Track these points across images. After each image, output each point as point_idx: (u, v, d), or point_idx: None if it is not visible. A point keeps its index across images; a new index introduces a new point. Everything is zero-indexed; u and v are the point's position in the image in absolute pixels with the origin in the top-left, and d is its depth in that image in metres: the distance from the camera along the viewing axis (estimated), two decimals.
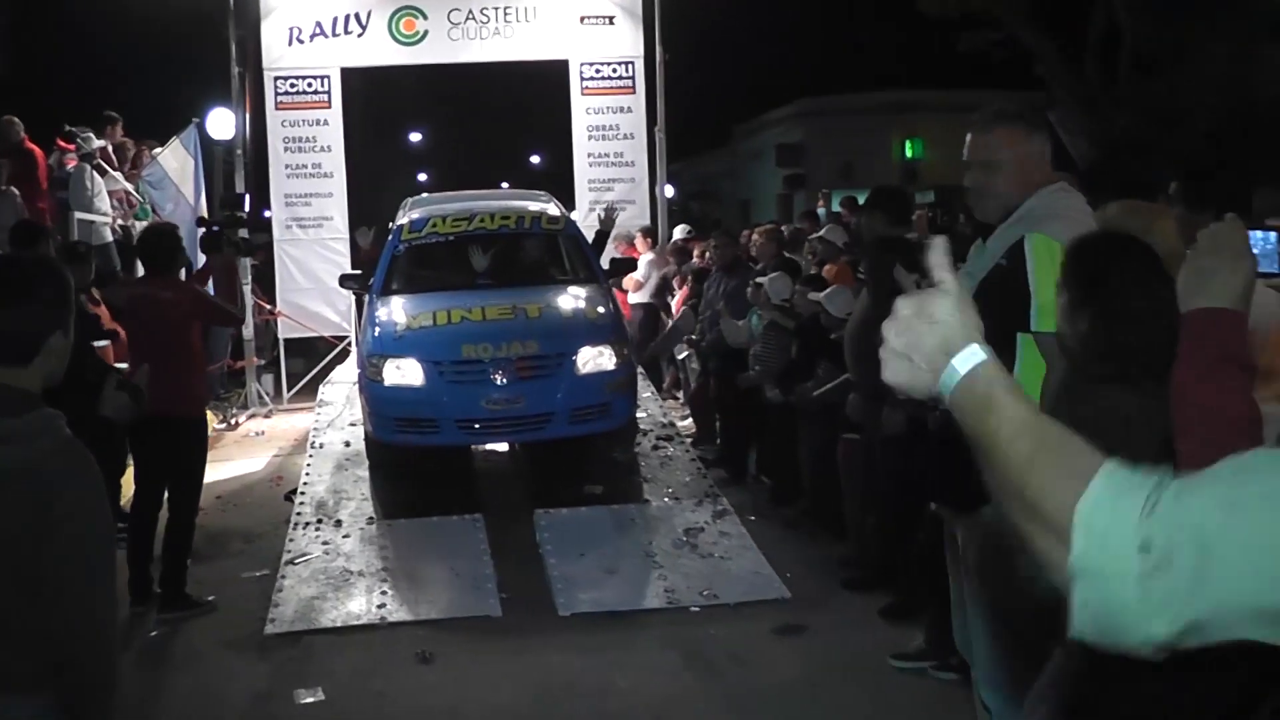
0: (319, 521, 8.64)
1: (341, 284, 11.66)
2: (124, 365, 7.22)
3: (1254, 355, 2.42)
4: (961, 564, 4.43)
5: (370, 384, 9.20)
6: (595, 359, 9.06)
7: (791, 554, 7.84)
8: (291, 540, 8.27)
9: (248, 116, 15.63)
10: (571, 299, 10.04)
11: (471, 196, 12.78)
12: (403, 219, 11.34)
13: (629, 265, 12.35)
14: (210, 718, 5.90)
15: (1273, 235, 2.13)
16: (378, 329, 9.67)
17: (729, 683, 6.03)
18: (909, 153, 31.61)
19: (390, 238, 11.21)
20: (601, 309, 9.88)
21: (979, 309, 3.74)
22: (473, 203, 11.93)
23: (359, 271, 11.98)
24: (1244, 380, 1.99)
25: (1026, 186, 4.09)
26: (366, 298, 10.89)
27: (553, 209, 11.66)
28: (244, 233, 10.27)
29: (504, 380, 8.74)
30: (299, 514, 8.77)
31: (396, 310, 9.84)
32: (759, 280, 9.28)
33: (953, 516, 4.55)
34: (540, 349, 8.94)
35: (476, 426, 8.96)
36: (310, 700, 5.93)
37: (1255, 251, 2.14)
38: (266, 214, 16.35)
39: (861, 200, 10.04)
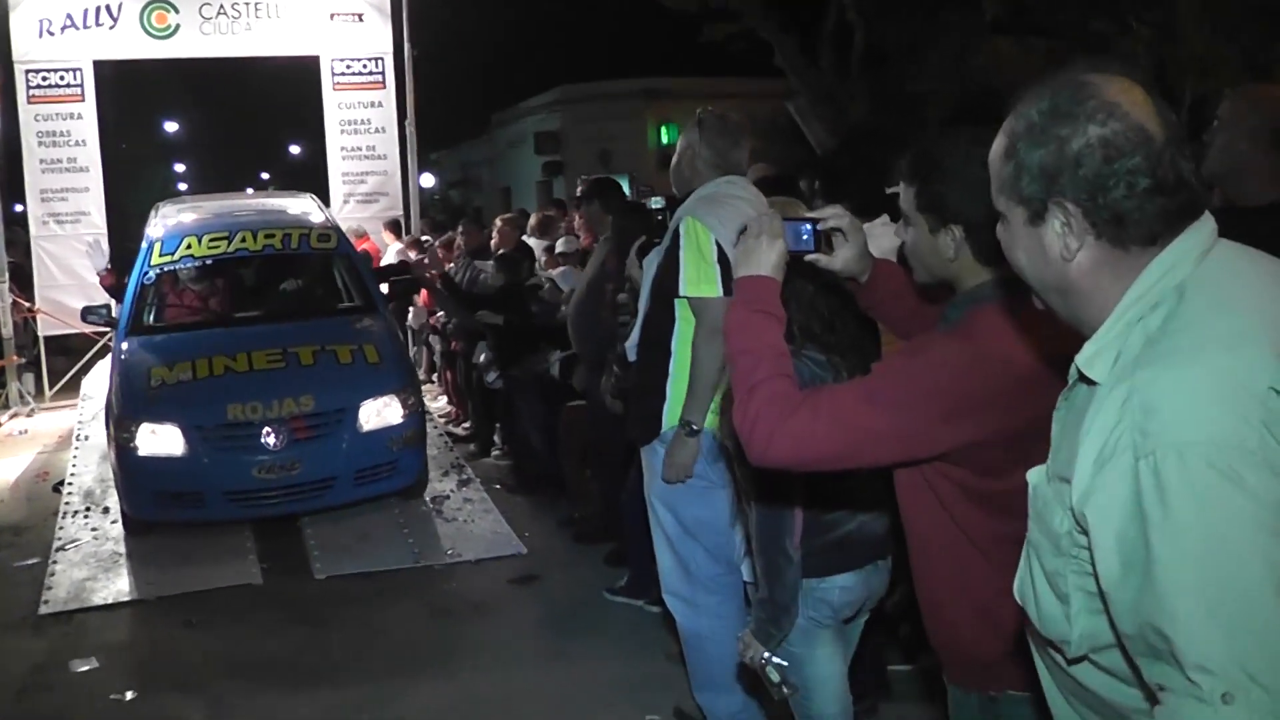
0: (87, 510, 9.08)
1: (84, 318, 10.10)
2: None
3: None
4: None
5: (122, 452, 8.07)
6: (380, 412, 8.31)
7: (530, 516, 8.67)
8: (61, 529, 8.71)
9: None
10: (349, 338, 8.95)
11: (230, 200, 12.37)
12: (153, 232, 10.10)
13: (405, 280, 11.37)
14: None
15: (808, 225, 2.96)
16: (128, 382, 8.48)
17: (466, 625, 6.79)
18: (664, 138, 32.43)
19: (138, 261, 9.81)
20: (384, 349, 8.89)
21: (660, 276, 4.71)
22: (232, 210, 11.06)
23: (104, 304, 10.63)
24: (775, 326, 2.70)
25: (685, 178, 4.94)
26: (113, 336, 9.57)
27: (318, 217, 10.82)
28: None
29: (277, 444, 7.94)
30: (67, 504, 9.20)
31: (149, 358, 8.65)
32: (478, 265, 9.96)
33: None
34: (316, 405, 8.13)
35: (248, 498, 8.05)
36: (85, 668, 6.40)
37: (804, 236, 2.95)
38: (19, 208, 16.31)
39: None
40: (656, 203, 6.07)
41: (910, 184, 2.69)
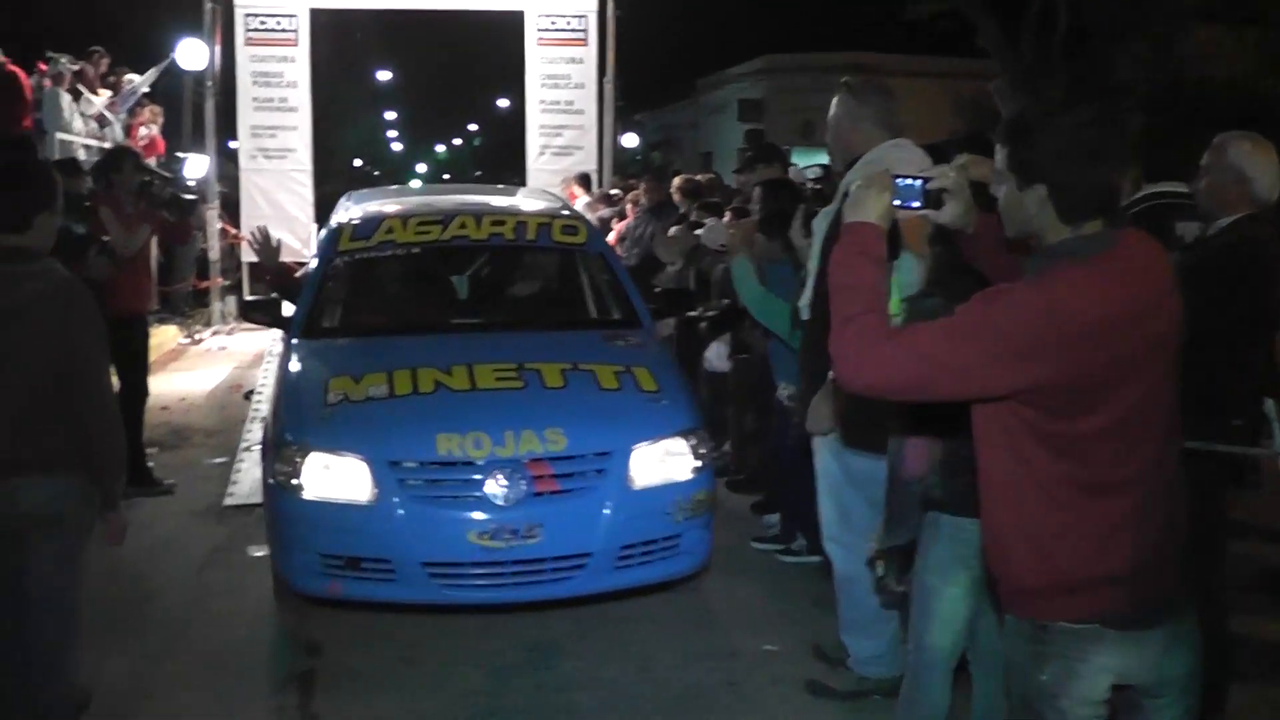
0: None
1: (246, 316, 7.80)
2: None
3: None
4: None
5: (279, 494, 5.66)
6: (662, 461, 5.79)
7: None
8: (249, 431, 9.29)
9: (218, 49, 16.34)
10: (612, 356, 6.43)
11: (441, 192, 10.38)
12: (342, 217, 7.81)
13: (683, 297, 8.23)
14: (173, 564, 6.87)
15: (919, 182, 3.21)
16: (296, 396, 6.16)
17: None
18: None
19: (320, 246, 7.78)
20: (662, 373, 6.29)
21: (829, 238, 4.81)
22: (445, 197, 8.90)
23: (267, 297, 7.64)
24: (874, 267, 2.93)
25: (848, 144, 5.02)
26: (282, 341, 7.22)
27: (558, 205, 8.76)
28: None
29: (508, 496, 5.44)
30: (256, 409, 9.77)
31: (327, 367, 6.32)
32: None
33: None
34: (570, 445, 5.62)
35: (459, 575, 5.52)
36: (260, 553, 6.83)
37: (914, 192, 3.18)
38: (232, 144, 17.20)
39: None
40: (812, 173, 6.20)
41: (1003, 146, 2.89)
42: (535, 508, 5.46)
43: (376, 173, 56.09)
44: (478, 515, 5.42)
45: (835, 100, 5.14)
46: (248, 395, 10.68)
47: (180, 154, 17.16)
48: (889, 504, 3.94)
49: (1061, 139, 2.75)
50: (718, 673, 5.45)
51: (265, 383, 10.69)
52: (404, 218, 7.48)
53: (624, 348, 6.65)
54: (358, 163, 54.32)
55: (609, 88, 16.86)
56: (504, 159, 35.10)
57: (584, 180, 14.80)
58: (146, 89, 16.21)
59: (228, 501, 7.96)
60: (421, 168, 66.33)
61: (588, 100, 16.68)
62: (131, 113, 16.02)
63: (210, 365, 13.20)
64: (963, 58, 23.42)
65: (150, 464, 8.39)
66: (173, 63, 16.23)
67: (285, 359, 6.66)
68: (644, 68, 26.26)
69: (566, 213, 8.32)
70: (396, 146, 65.28)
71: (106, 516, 4.22)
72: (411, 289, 7.86)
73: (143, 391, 8.40)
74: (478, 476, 5.46)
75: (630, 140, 35.56)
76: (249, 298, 8.66)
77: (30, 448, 3.96)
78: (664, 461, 5.77)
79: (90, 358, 4.04)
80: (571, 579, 5.59)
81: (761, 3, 34.93)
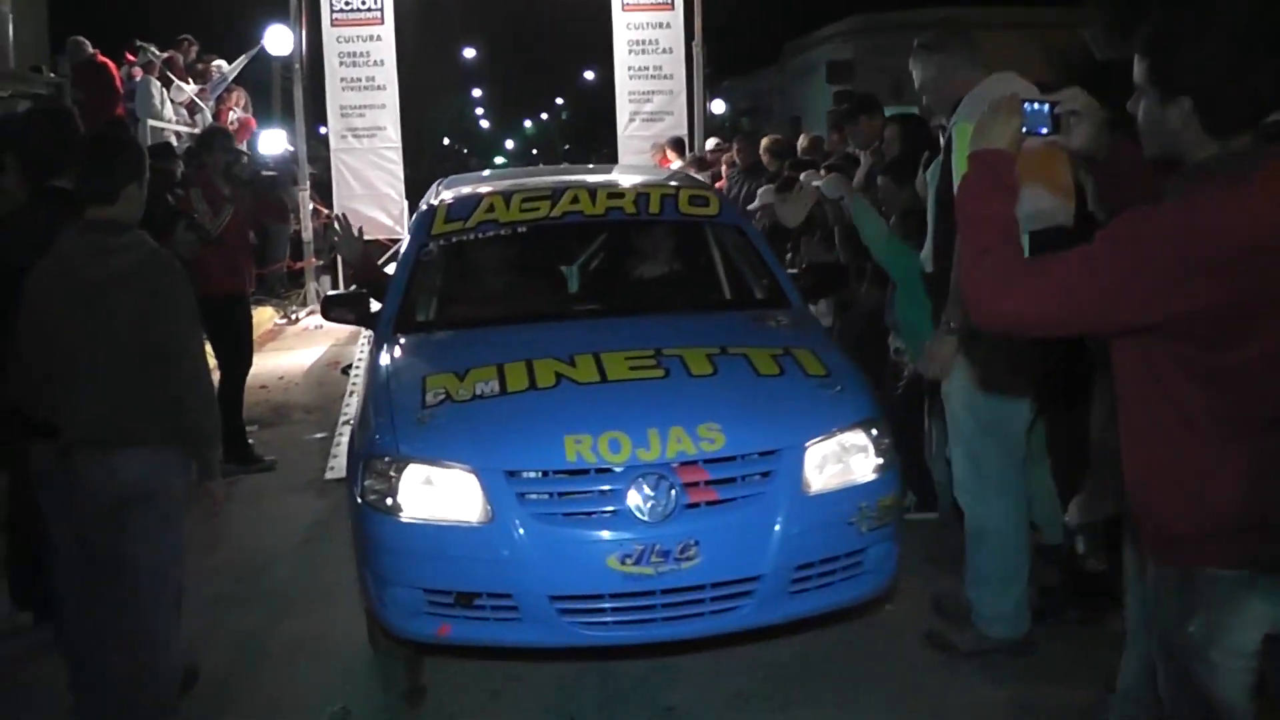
0: None
1: (326, 314, 6.43)
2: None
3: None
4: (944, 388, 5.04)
5: (370, 517, 4.64)
6: (841, 459, 4.76)
7: None
8: (348, 405, 9.29)
9: (304, 33, 16.39)
10: (766, 339, 5.49)
11: (547, 173, 8.78)
12: (435, 200, 6.81)
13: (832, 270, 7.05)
14: (276, 535, 6.90)
15: (1047, 106, 3.03)
16: (388, 400, 5.09)
17: None
18: None
19: (412, 231, 6.78)
20: (828, 356, 5.26)
21: (940, 186, 4.64)
22: (545, 178, 7.63)
23: (350, 291, 7.22)
24: (1006, 196, 2.76)
25: (950, 94, 4.82)
26: (372, 338, 6.35)
27: (689, 184, 7.42)
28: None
29: (655, 510, 4.41)
30: (354, 384, 9.78)
31: (424, 363, 5.40)
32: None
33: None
34: (730, 444, 4.59)
35: (600, 609, 4.49)
36: None
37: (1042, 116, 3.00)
38: (322, 130, 17.29)
39: None
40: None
41: (1144, 57, 2.68)
42: (689, 523, 4.43)
43: (465, 150, 56.39)
44: (618, 535, 4.40)
45: (915, 64, 4.97)
46: (345, 370, 10.74)
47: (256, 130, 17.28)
48: (1092, 474, 3.76)
49: (1209, 45, 2.54)
50: (833, 633, 5.27)
51: (363, 357, 10.72)
52: (507, 195, 6.53)
53: (777, 328, 5.74)
54: (446, 141, 54.63)
55: (698, 51, 16.67)
56: (592, 131, 35.01)
57: (678, 144, 14.57)
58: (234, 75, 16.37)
59: (329, 475, 7.95)
60: (510, 144, 66.63)
61: (676, 65, 16.47)
62: (219, 99, 16.16)
63: (307, 344, 13.29)
64: (1054, 6, 22.88)
65: (251, 441, 8.44)
66: (261, 50, 16.33)
67: (374, 357, 5.76)
68: (729, 32, 26.05)
69: (692, 181, 7.56)
70: (484, 124, 65.59)
71: (205, 487, 4.16)
72: (519, 273, 6.76)
73: (245, 369, 8.46)
74: (617, 487, 4.45)
75: (718, 107, 35.29)
76: (330, 293, 7.83)
77: (127, 421, 3.92)
78: (842, 460, 4.75)
79: (181, 329, 3.99)
80: (737, 609, 4.55)
81: None
